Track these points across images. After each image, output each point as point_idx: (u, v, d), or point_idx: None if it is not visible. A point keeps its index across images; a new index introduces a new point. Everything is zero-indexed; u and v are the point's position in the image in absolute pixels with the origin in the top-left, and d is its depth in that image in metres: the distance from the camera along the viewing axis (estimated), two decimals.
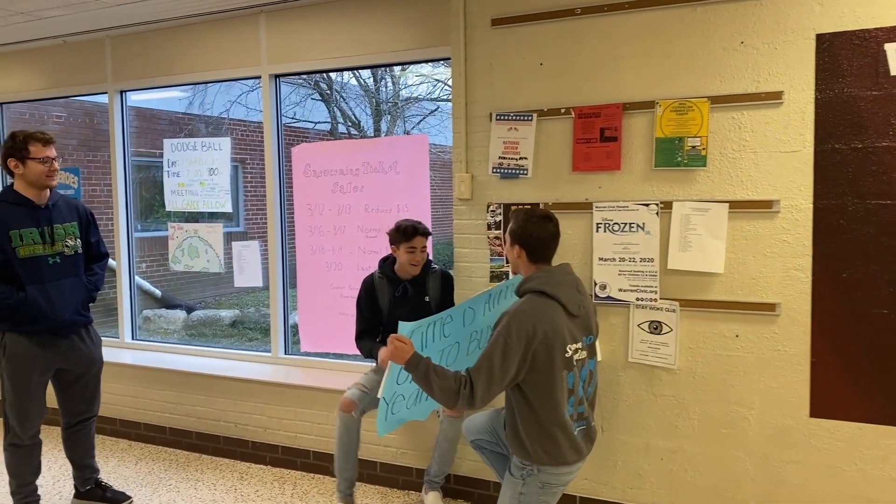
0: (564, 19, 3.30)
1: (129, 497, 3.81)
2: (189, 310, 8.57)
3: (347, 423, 3.46)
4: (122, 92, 4.99)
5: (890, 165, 2.82)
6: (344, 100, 10.77)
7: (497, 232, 3.51)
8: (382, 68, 9.46)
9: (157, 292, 8.30)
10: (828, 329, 2.96)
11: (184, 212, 4.87)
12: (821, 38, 2.89)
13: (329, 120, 10.76)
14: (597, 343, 2.78)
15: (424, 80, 10.82)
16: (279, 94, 4.50)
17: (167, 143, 4.83)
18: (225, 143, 4.69)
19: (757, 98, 3.00)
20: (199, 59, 4.59)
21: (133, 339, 5.17)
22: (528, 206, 3.39)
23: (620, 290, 3.26)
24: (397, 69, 10.21)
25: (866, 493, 2.95)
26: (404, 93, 10.95)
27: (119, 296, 5.13)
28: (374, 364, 3.66)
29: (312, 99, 10.44)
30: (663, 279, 3.20)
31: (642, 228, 3.21)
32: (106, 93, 4.98)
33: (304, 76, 9.14)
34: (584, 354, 2.64)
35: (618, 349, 3.31)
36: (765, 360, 3.07)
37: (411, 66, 9.90)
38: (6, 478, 3.56)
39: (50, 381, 3.54)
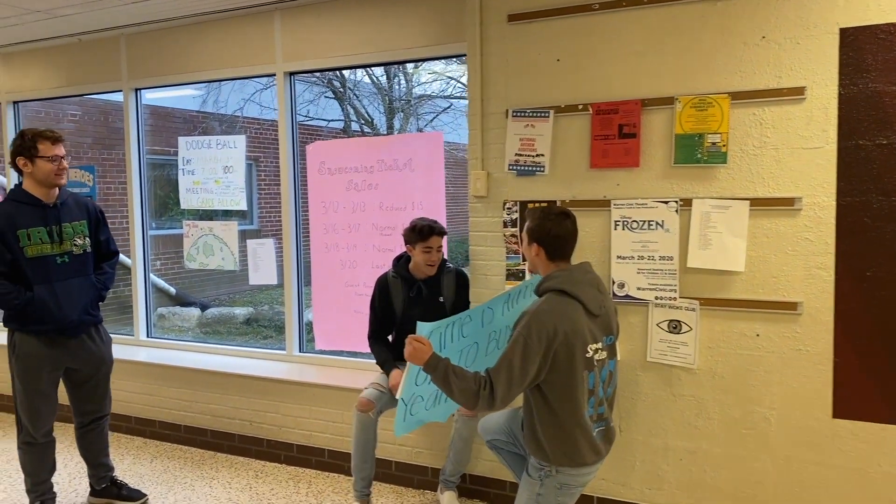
0: (581, 15, 3.27)
1: (145, 495, 3.81)
2: (203, 307, 8.60)
3: (364, 422, 3.44)
4: (136, 90, 4.99)
5: None
6: (357, 98, 10.77)
7: (513, 230, 3.48)
8: (396, 66, 9.44)
9: (172, 290, 8.32)
10: (851, 328, 2.91)
11: (198, 210, 4.87)
12: (845, 33, 2.84)
13: (342, 118, 10.77)
14: (617, 343, 2.75)
15: (437, 78, 10.81)
16: (294, 91, 4.49)
17: (182, 140, 4.83)
18: (240, 140, 4.69)
19: (778, 94, 2.95)
20: (214, 57, 4.58)
21: (148, 336, 5.18)
22: (545, 204, 3.35)
23: (639, 288, 3.22)
24: (410, 67, 10.20)
25: (890, 495, 2.90)
26: (417, 90, 10.94)
27: (134, 294, 5.13)
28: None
29: (325, 97, 10.46)
30: (683, 277, 3.16)
31: (661, 226, 3.17)
32: (121, 91, 4.99)
33: (318, 74, 9.15)
34: (604, 355, 2.61)
35: (636, 349, 3.27)
36: (786, 359, 3.03)
37: (424, 64, 9.89)
38: (22, 476, 3.56)
39: (62, 381, 3.54)
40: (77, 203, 3.55)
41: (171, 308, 8.34)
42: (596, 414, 2.60)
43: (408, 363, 2.59)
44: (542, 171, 3.39)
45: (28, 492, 3.55)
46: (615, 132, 3.21)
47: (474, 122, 3.53)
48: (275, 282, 4.65)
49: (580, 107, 3.29)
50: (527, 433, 2.65)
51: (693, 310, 3.14)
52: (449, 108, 10.73)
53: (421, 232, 3.46)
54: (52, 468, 3.59)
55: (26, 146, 3.31)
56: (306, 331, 4.64)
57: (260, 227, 9.07)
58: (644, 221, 3.20)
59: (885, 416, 2.88)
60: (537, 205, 3.38)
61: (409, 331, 3.36)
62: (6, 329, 3.43)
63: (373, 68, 9.64)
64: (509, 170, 3.45)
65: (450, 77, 10.62)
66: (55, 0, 4.15)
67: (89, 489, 3.81)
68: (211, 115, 9.51)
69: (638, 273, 3.22)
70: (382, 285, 3.65)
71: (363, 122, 10.83)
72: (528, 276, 3.46)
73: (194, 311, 8.44)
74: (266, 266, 4.62)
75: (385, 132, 10.76)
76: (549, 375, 2.49)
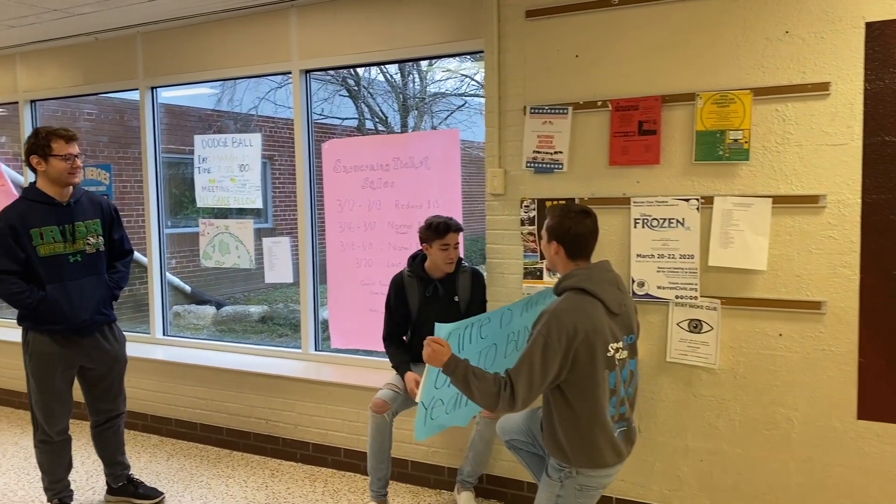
0: (600, 10, 3.22)
1: (162, 493, 3.81)
2: (218, 305, 8.62)
3: (379, 424, 3.41)
4: (152, 88, 5.00)
5: None
6: (371, 96, 10.76)
7: (531, 228, 3.44)
8: (411, 63, 9.42)
9: (187, 288, 8.34)
10: (877, 328, 2.86)
11: (213, 208, 4.87)
12: (871, 27, 2.78)
13: (356, 116, 10.77)
14: (637, 342, 2.71)
15: (451, 76, 10.78)
16: (309, 89, 4.47)
17: (198, 139, 4.83)
18: (255, 139, 4.68)
19: (802, 89, 2.90)
20: (229, 55, 4.58)
21: (164, 334, 5.18)
22: (563, 202, 3.32)
23: (659, 287, 3.18)
24: (424, 64, 10.18)
25: None
26: (431, 88, 10.91)
27: (150, 292, 5.14)
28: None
29: (340, 95, 10.45)
30: (704, 276, 3.12)
31: (682, 224, 3.12)
32: (137, 89, 4.99)
33: (332, 72, 9.14)
34: (625, 354, 2.57)
35: (656, 348, 3.23)
36: (810, 359, 2.98)
37: (438, 62, 9.86)
38: (39, 474, 3.57)
39: (77, 379, 3.54)
40: (91, 201, 3.54)
41: (187, 306, 8.36)
42: (617, 414, 2.56)
43: (427, 365, 2.56)
44: (561, 169, 3.35)
45: (45, 490, 3.56)
46: (635, 129, 3.17)
47: (491, 120, 3.49)
48: (290, 280, 4.64)
49: (599, 103, 3.25)
50: (546, 434, 2.62)
51: (714, 309, 3.10)
52: (463, 105, 10.70)
53: (438, 229, 3.42)
54: (69, 466, 3.59)
55: (40, 144, 3.30)
56: (322, 329, 4.63)
57: (275, 225, 9.08)
58: (664, 219, 3.16)
59: None
60: (555, 203, 3.35)
61: (425, 330, 3.35)
62: (21, 327, 3.43)
63: (387, 66, 9.61)
64: (527, 167, 3.42)
65: (464, 75, 10.59)
66: None
67: (106, 487, 3.81)
68: (226, 114, 9.52)
69: (658, 272, 3.18)
70: (398, 284, 3.62)
71: (377, 120, 10.82)
72: (546, 275, 3.43)
73: (210, 310, 8.46)
74: (282, 264, 4.61)
75: (399, 130, 10.74)
76: (570, 375, 2.46)
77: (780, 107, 2.95)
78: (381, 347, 3.76)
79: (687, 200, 3.11)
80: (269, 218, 9.14)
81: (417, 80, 10.90)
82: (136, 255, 3.93)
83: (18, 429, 4.92)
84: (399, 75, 10.64)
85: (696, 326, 3.14)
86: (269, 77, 4.86)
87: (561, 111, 3.32)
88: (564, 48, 3.31)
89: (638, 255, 3.22)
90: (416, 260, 3.62)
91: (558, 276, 2.68)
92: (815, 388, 2.98)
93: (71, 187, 3.42)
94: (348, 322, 4.40)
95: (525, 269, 3.48)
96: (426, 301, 3.55)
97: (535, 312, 2.89)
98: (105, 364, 3.55)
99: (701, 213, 3.09)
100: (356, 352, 4.46)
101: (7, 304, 3.38)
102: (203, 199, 4.83)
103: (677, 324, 3.17)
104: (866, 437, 2.91)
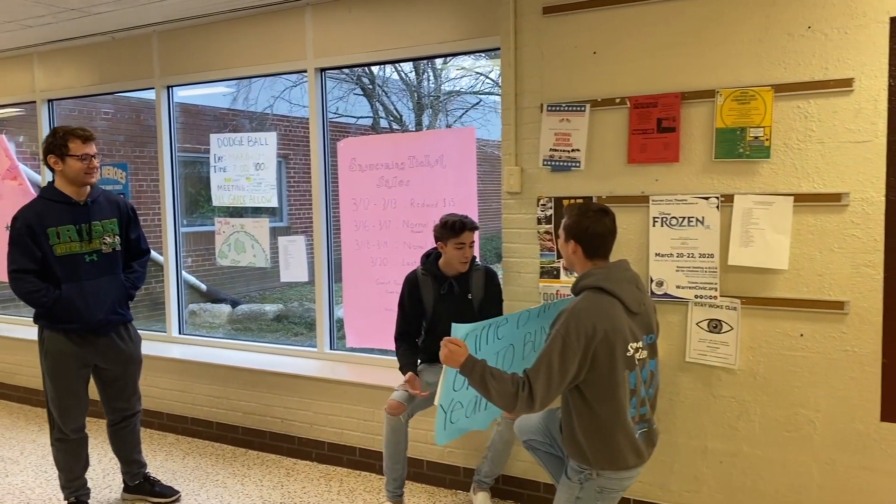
0: (619, 6, 3.19)
1: (178, 492, 3.82)
2: (234, 304, 8.63)
3: (394, 425, 3.39)
4: (168, 87, 5.01)
5: None
6: (386, 94, 10.75)
7: (547, 226, 3.41)
8: (426, 61, 9.40)
9: (203, 286, 8.36)
10: None
11: (229, 207, 4.87)
12: (895, 22, 2.73)
13: (371, 114, 10.76)
14: (658, 342, 2.68)
15: (466, 74, 10.75)
16: (325, 87, 4.46)
17: (213, 138, 4.83)
18: (271, 137, 4.67)
19: (825, 86, 2.85)
20: (245, 54, 4.58)
21: (180, 333, 5.20)
22: (581, 200, 3.29)
23: (678, 286, 3.14)
24: (439, 62, 10.16)
25: None
26: (446, 87, 10.89)
27: (166, 290, 5.16)
28: (420, 365, 3.60)
29: (354, 94, 10.44)
30: (723, 276, 3.08)
31: (701, 223, 3.08)
32: (153, 88, 5.00)
33: (347, 71, 9.14)
34: (645, 354, 2.54)
35: (675, 348, 3.19)
36: (832, 360, 2.93)
37: (453, 60, 9.84)
38: (56, 472, 3.58)
39: (93, 378, 3.55)
40: (108, 201, 3.54)
41: (203, 304, 8.38)
42: (638, 415, 2.53)
43: (444, 367, 2.54)
44: (578, 167, 3.32)
45: (62, 488, 3.57)
46: (654, 126, 3.13)
47: (508, 117, 3.47)
48: (305, 279, 4.63)
49: (617, 100, 3.21)
50: (566, 435, 2.59)
51: (734, 309, 3.06)
52: (478, 104, 10.67)
53: (453, 227, 3.40)
54: (86, 464, 3.60)
55: (57, 144, 3.31)
56: (337, 328, 4.62)
57: (290, 224, 9.08)
58: (684, 218, 3.12)
59: None
60: (573, 201, 3.32)
61: (439, 329, 3.33)
62: (37, 326, 3.44)
63: (401, 65, 9.60)
64: (544, 165, 3.39)
65: (479, 73, 10.55)
66: None
67: (122, 485, 3.83)
68: (241, 113, 9.54)
69: (677, 271, 3.14)
70: (412, 283, 3.60)
71: (392, 118, 10.81)
72: (563, 274, 3.40)
73: (225, 308, 8.48)
74: (297, 263, 4.61)
75: (413, 129, 10.73)
76: (589, 375, 2.43)
77: (802, 103, 2.90)
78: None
79: (707, 199, 3.07)
80: (284, 217, 9.14)
81: (432, 78, 10.88)
82: (153, 254, 3.93)
83: (36, 426, 4.95)
84: (414, 73, 10.63)
85: (715, 326, 3.10)
86: (284, 76, 4.85)
87: (578, 108, 3.29)
88: (582, 44, 3.28)
89: (657, 255, 3.18)
90: (430, 258, 3.60)
91: (575, 275, 2.66)
92: (838, 389, 2.93)
93: (88, 187, 3.42)
94: (363, 321, 4.39)
95: (541, 268, 3.45)
96: (441, 299, 3.53)
97: (553, 312, 2.86)
98: (120, 364, 3.56)
99: (721, 211, 3.05)
100: (371, 351, 4.45)
101: (24, 303, 3.39)
102: (219, 197, 4.83)
103: (696, 324, 3.13)
104: (890, 439, 2.86)
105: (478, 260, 3.63)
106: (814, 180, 2.90)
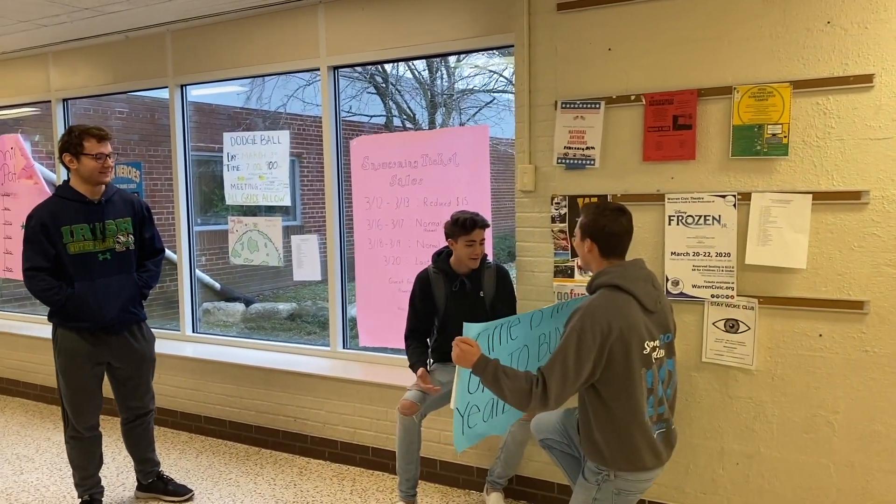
0: (634, 2, 3.15)
1: (191, 490, 3.82)
2: (248, 303, 8.66)
3: (407, 425, 3.38)
4: (182, 86, 5.01)
5: None
6: (399, 93, 10.74)
7: (561, 225, 3.38)
8: (439, 59, 9.38)
9: (217, 285, 8.39)
10: None
11: (242, 206, 4.87)
12: None
13: (384, 113, 10.75)
14: (675, 342, 2.64)
15: (479, 72, 10.72)
16: (337, 85, 4.45)
17: (227, 136, 4.83)
18: (284, 136, 4.67)
19: (845, 82, 2.80)
20: (258, 52, 4.57)
21: (193, 331, 5.21)
22: (595, 199, 3.25)
23: (694, 286, 3.10)
24: (452, 60, 10.13)
25: None
26: (459, 85, 10.87)
27: (180, 289, 5.17)
28: (432, 364, 3.58)
29: (368, 93, 10.44)
30: (740, 275, 3.03)
31: (718, 221, 3.04)
32: (166, 87, 5.01)
33: (360, 70, 9.14)
34: (662, 353, 2.51)
35: (691, 348, 3.15)
36: (851, 361, 2.88)
37: (466, 58, 9.81)
38: (70, 470, 3.59)
39: (107, 376, 3.56)
40: (123, 200, 3.54)
41: (217, 303, 8.41)
42: (656, 415, 2.50)
43: (457, 368, 2.51)
44: (593, 165, 3.28)
45: (76, 485, 3.58)
46: (670, 123, 3.10)
47: (521, 115, 3.44)
48: (318, 278, 4.63)
49: (633, 97, 3.18)
50: (583, 436, 2.56)
51: (751, 308, 3.01)
52: (491, 102, 10.64)
53: (464, 225, 3.37)
54: (100, 462, 3.61)
55: (73, 143, 3.32)
56: (350, 327, 4.61)
57: (303, 222, 9.09)
58: (700, 216, 3.07)
59: None
60: (587, 199, 3.29)
61: (451, 327, 3.31)
62: (51, 324, 3.46)
63: (414, 63, 9.59)
64: (558, 163, 3.36)
65: (492, 71, 10.52)
66: None
67: (136, 484, 3.83)
68: (255, 112, 9.56)
69: (693, 270, 3.10)
70: (423, 281, 3.58)
71: (405, 117, 10.80)
72: (577, 273, 3.36)
73: (239, 307, 8.51)
74: (310, 262, 4.60)
75: (427, 127, 10.71)
76: (605, 374, 2.40)
77: (821, 100, 2.85)
78: None
79: (723, 197, 3.03)
80: (297, 215, 9.16)
81: (445, 76, 10.86)
82: (167, 252, 3.94)
83: (52, 424, 4.97)
84: (427, 72, 10.61)
85: (732, 326, 3.06)
86: (297, 75, 4.85)
87: (593, 106, 3.25)
88: (597, 41, 3.24)
89: (672, 253, 3.14)
90: (442, 256, 3.58)
91: (590, 274, 2.63)
92: (858, 390, 2.88)
93: (103, 186, 3.43)
94: (376, 320, 4.38)
95: (555, 267, 3.42)
96: (453, 297, 3.50)
97: (567, 311, 2.83)
98: (132, 363, 3.56)
99: (738, 209, 3.01)
100: (384, 350, 4.44)
101: (38, 301, 3.40)
102: (232, 196, 4.83)
103: (713, 323, 3.09)
104: None
105: (490, 258, 3.60)
106: (833, 178, 2.86)
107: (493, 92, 10.66)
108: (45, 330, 5.39)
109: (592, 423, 2.49)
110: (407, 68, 10.26)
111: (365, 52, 4.21)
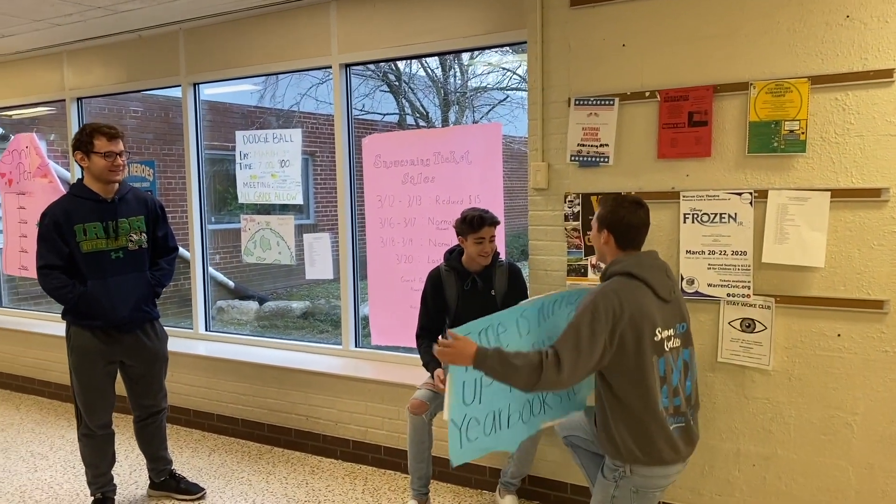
0: None
1: (203, 489, 3.82)
2: (261, 301, 8.68)
3: (418, 425, 3.36)
4: (194, 85, 5.02)
5: None
6: (412, 91, 10.72)
7: (575, 223, 3.35)
8: (452, 56, 9.34)
9: (231, 283, 8.41)
10: None
11: (255, 204, 4.86)
12: None
13: (397, 111, 10.73)
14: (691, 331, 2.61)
15: (493, 70, 10.68)
16: (350, 83, 4.44)
17: (239, 135, 4.83)
18: (296, 134, 4.66)
19: (864, 77, 2.75)
20: (270, 51, 4.56)
21: (206, 330, 5.21)
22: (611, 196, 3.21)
23: (710, 285, 3.06)
24: (465, 58, 10.10)
25: None
26: (473, 82, 10.83)
27: (193, 287, 5.17)
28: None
29: (381, 91, 10.43)
30: (757, 273, 2.99)
31: (734, 219, 2.99)
32: (179, 85, 5.02)
33: (373, 68, 9.11)
34: (677, 343, 2.48)
35: (706, 348, 3.11)
36: (870, 361, 2.83)
37: (479, 55, 9.77)
38: (83, 468, 3.60)
39: (119, 375, 3.56)
40: (137, 198, 3.54)
41: (230, 301, 8.43)
42: (672, 406, 2.46)
43: (449, 376, 2.42)
44: (607, 162, 3.25)
45: (89, 483, 3.59)
46: (685, 120, 3.05)
47: (534, 112, 3.40)
48: (331, 276, 4.61)
49: (647, 94, 3.14)
50: (600, 430, 2.54)
51: (768, 308, 2.97)
52: (505, 100, 10.59)
53: (472, 223, 3.34)
54: (112, 460, 3.62)
55: (84, 141, 3.32)
56: (362, 326, 4.60)
57: (316, 221, 9.09)
58: (715, 214, 3.03)
59: None
60: (601, 197, 3.25)
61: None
62: (64, 322, 3.46)
63: (427, 61, 9.56)
64: (571, 161, 3.33)
65: (505, 68, 10.48)
66: None
67: (149, 482, 3.84)
68: (268, 111, 9.57)
69: (709, 269, 3.06)
70: (435, 279, 3.55)
71: (418, 115, 10.77)
72: (590, 272, 3.33)
73: (252, 305, 8.53)
74: (322, 260, 4.59)
75: (440, 125, 10.68)
76: (617, 360, 2.38)
77: (840, 95, 2.80)
78: None
79: (739, 194, 2.98)
80: (310, 214, 9.16)
81: (458, 74, 10.83)
82: (181, 250, 3.94)
83: (66, 422, 5.00)
84: (440, 70, 10.58)
85: (748, 326, 3.01)
86: (310, 73, 4.83)
87: (607, 102, 3.21)
88: (610, 37, 3.21)
89: (687, 252, 3.10)
90: (453, 254, 3.55)
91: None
92: (877, 391, 2.83)
93: (116, 184, 3.42)
94: (388, 319, 4.36)
95: (569, 265, 3.39)
96: (465, 294, 3.48)
97: (561, 312, 2.78)
98: (145, 361, 3.56)
99: (754, 207, 2.96)
100: (396, 349, 4.42)
101: (52, 299, 3.41)
102: (244, 194, 4.83)
103: (729, 323, 3.05)
104: None
105: (502, 257, 3.57)
106: (852, 175, 2.80)
107: (507, 90, 10.63)
108: (59, 328, 5.41)
109: (608, 415, 2.47)
110: (420, 66, 10.24)
111: (377, 50, 4.20)
